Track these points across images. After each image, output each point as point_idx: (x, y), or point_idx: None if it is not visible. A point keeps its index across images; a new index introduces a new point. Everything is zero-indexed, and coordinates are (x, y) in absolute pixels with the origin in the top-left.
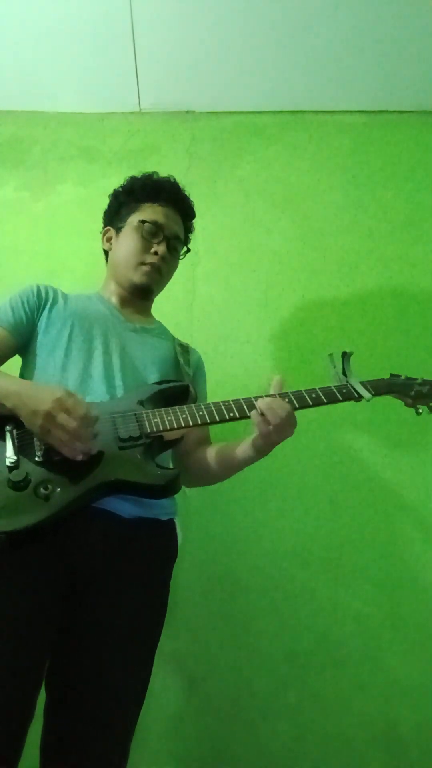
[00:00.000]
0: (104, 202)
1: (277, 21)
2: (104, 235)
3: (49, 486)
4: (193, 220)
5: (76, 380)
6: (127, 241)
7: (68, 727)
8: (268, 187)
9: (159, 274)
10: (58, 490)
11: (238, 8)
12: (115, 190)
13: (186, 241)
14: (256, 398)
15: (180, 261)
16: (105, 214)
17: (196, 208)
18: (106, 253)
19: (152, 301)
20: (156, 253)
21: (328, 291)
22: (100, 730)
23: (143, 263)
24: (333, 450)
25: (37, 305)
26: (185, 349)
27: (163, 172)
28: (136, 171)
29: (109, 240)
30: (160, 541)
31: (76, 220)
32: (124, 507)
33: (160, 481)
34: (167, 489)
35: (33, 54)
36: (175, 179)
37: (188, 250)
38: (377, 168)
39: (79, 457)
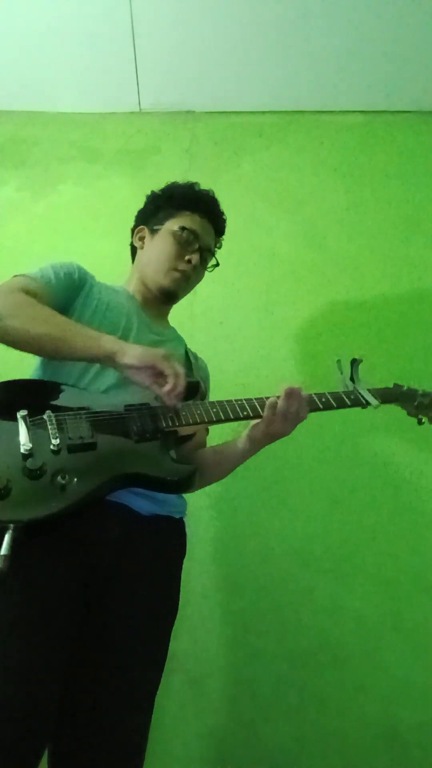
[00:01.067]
0: (104, 202)
1: (277, 21)
2: (137, 233)
3: (67, 476)
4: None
5: (97, 368)
6: (162, 245)
7: (84, 730)
8: (268, 187)
9: (186, 283)
10: (75, 480)
11: (238, 8)
12: (153, 192)
13: (214, 254)
14: (269, 398)
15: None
16: (139, 213)
17: None
18: (133, 249)
19: (171, 307)
20: (189, 261)
21: (328, 291)
22: (117, 733)
23: (176, 269)
24: (333, 450)
25: (78, 285)
26: (195, 358)
27: (163, 172)
28: (137, 171)
29: (141, 239)
30: (174, 539)
31: (76, 220)
32: (141, 504)
33: (177, 475)
34: (184, 483)
35: (33, 54)
36: (213, 194)
37: (217, 264)
38: (377, 168)
39: (175, 403)
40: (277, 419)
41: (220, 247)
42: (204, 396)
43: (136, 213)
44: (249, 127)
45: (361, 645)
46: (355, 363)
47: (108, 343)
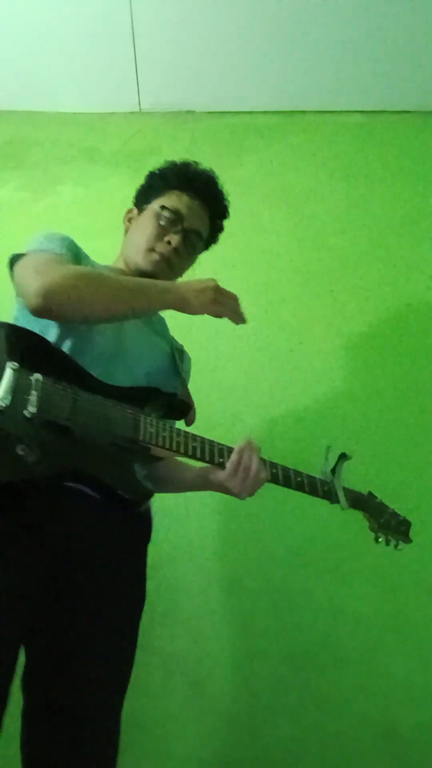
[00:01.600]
0: (104, 203)
1: (277, 21)
2: (127, 213)
3: (27, 449)
4: (225, 220)
5: (71, 349)
6: (143, 224)
7: (55, 727)
8: (268, 187)
9: (168, 266)
10: (32, 458)
11: (238, 8)
12: (151, 172)
13: (210, 241)
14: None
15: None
16: (135, 194)
17: None
18: (127, 231)
19: None
20: (169, 243)
21: (328, 291)
22: (88, 727)
23: (153, 250)
24: (333, 450)
25: (74, 257)
26: (180, 353)
27: None
28: (137, 171)
29: (130, 219)
30: (137, 525)
31: (76, 220)
32: (97, 493)
33: (134, 495)
34: (135, 505)
35: (33, 54)
36: (213, 173)
37: (215, 242)
38: (377, 168)
39: (240, 322)
40: (239, 477)
41: (221, 231)
42: (191, 421)
43: None
44: (249, 127)
45: (361, 645)
46: (342, 458)
47: (175, 292)
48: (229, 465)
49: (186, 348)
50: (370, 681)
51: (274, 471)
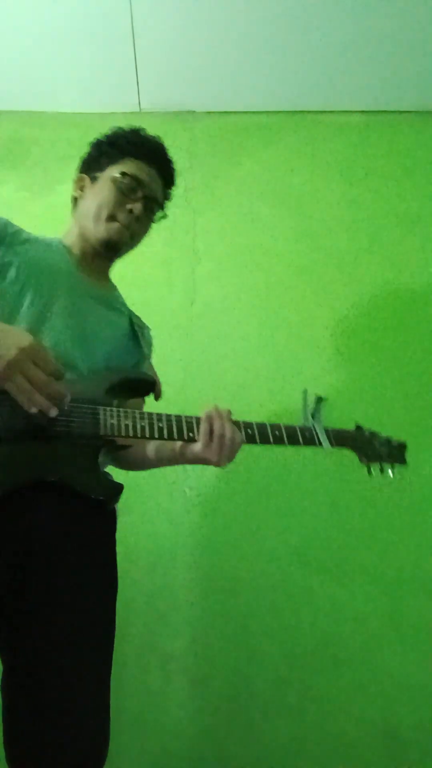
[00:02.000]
0: None
1: (277, 21)
2: (77, 182)
3: None
4: (172, 189)
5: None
6: (102, 192)
7: (30, 698)
8: (268, 187)
9: (130, 234)
10: None
11: (238, 8)
12: (97, 139)
13: (162, 207)
14: (210, 414)
15: (179, 260)
16: (82, 162)
17: (196, 208)
18: (75, 201)
19: (113, 262)
20: (131, 211)
21: (328, 291)
22: (71, 699)
23: (114, 218)
24: (333, 450)
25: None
26: (141, 328)
27: None
28: None
29: (81, 188)
30: (102, 521)
31: None
32: (68, 497)
33: (102, 494)
34: (109, 503)
35: (33, 54)
36: (161, 141)
37: (165, 216)
38: (377, 168)
39: (33, 410)
40: (214, 446)
41: (169, 200)
42: (159, 394)
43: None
44: (249, 127)
45: (361, 645)
46: (319, 401)
47: None
48: (201, 436)
49: (186, 348)
50: (370, 680)
51: (249, 431)
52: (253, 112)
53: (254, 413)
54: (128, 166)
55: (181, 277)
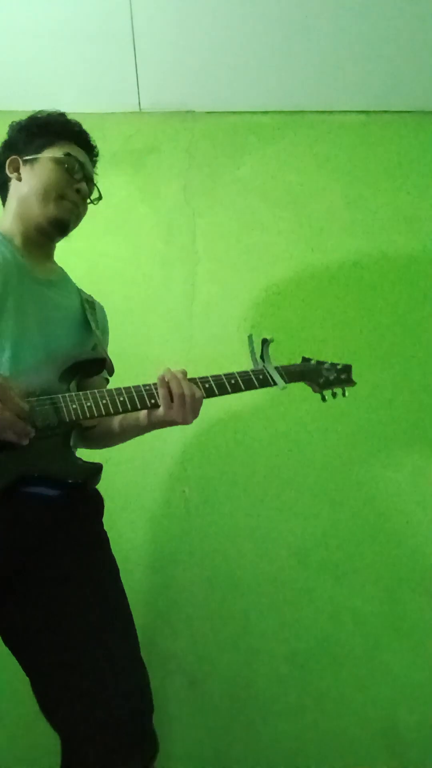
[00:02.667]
0: (104, 202)
1: (277, 21)
2: (9, 164)
3: None
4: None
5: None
6: (46, 173)
7: (61, 682)
8: (268, 187)
9: (76, 213)
10: None
11: (238, 8)
12: (17, 123)
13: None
14: (166, 375)
15: (179, 261)
16: (6, 145)
17: (196, 208)
18: (3, 185)
19: (56, 242)
20: (78, 191)
21: (328, 291)
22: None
23: (64, 197)
24: (332, 450)
25: None
26: (92, 305)
27: (163, 172)
28: (137, 171)
29: (16, 170)
30: (91, 512)
31: None
32: (51, 489)
33: (81, 476)
34: (90, 483)
35: (33, 54)
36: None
37: (100, 197)
38: (377, 168)
39: (10, 440)
40: (176, 407)
41: (96, 183)
42: (111, 369)
43: (137, 216)
44: (248, 126)
45: (361, 645)
46: (265, 342)
47: None
48: (161, 400)
49: (185, 349)
50: (370, 680)
51: (206, 385)
52: (253, 112)
53: (254, 413)
54: (67, 147)
55: (181, 276)
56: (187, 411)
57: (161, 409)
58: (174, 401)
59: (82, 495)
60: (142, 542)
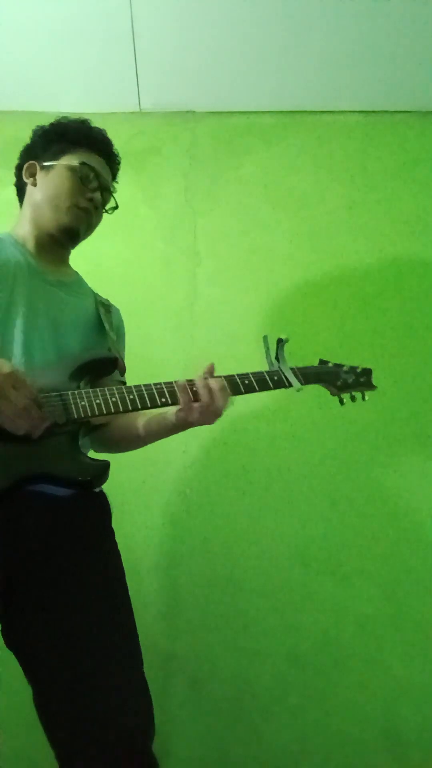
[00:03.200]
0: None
1: (277, 21)
2: (26, 169)
3: None
4: (115, 183)
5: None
6: (60, 181)
7: (63, 686)
8: (269, 187)
9: (88, 222)
10: None
11: (239, 8)
12: (40, 127)
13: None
14: (189, 381)
15: (179, 261)
16: (27, 150)
17: (197, 208)
18: (20, 189)
19: (69, 251)
20: (91, 199)
21: (329, 291)
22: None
23: (76, 206)
24: (333, 450)
25: None
26: (107, 308)
27: (164, 173)
28: (137, 172)
29: (32, 175)
30: (97, 512)
31: None
32: (57, 489)
33: (89, 474)
34: (96, 482)
35: (33, 54)
36: (106, 134)
37: (116, 206)
38: (377, 168)
39: (21, 433)
40: (195, 409)
41: (114, 192)
42: (123, 369)
43: (138, 217)
44: (249, 127)
45: (362, 645)
46: (280, 342)
47: None
48: (181, 405)
49: (186, 349)
50: (371, 681)
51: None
52: (254, 112)
53: (255, 413)
54: (84, 156)
55: (182, 277)
56: (209, 415)
57: (181, 413)
58: (197, 406)
59: (89, 495)
60: (142, 543)
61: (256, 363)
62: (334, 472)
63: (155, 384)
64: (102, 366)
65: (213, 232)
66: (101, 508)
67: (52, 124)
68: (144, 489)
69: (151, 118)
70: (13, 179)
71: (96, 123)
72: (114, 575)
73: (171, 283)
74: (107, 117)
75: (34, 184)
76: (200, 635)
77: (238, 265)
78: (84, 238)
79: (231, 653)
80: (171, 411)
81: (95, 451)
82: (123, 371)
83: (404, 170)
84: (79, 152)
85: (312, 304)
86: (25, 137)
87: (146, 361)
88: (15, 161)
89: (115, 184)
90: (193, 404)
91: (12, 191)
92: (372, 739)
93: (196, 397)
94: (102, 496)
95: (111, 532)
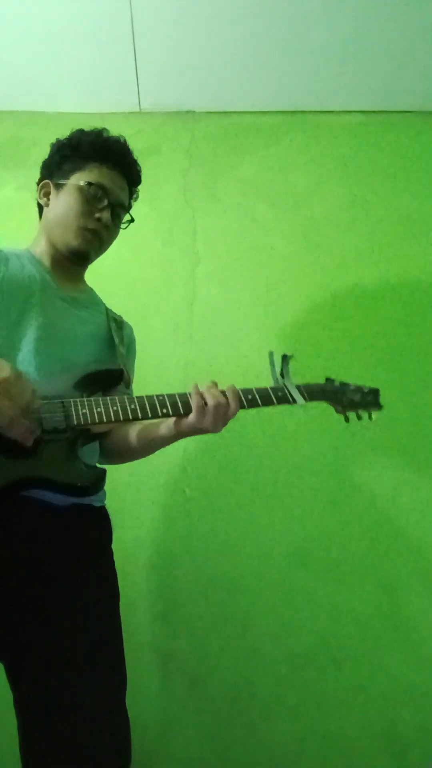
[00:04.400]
0: None
1: (277, 21)
2: (41, 188)
3: None
4: (138, 187)
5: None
6: (68, 202)
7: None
8: (268, 187)
9: (99, 242)
10: None
11: (239, 8)
12: (58, 141)
13: (129, 209)
14: (191, 393)
15: (179, 261)
16: (44, 165)
17: (196, 208)
18: (40, 207)
19: (86, 267)
20: (99, 219)
21: (329, 291)
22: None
23: (85, 228)
24: (333, 450)
25: None
26: (119, 324)
27: (163, 173)
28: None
29: (46, 195)
30: (97, 526)
31: None
32: (56, 496)
33: (85, 481)
34: (91, 489)
35: (33, 54)
36: (125, 140)
37: (132, 220)
38: (377, 168)
39: (13, 437)
40: (209, 412)
41: (136, 199)
42: (129, 381)
43: (137, 216)
44: (249, 127)
45: (361, 645)
46: (285, 359)
47: None
48: (194, 408)
49: (186, 348)
50: (370, 681)
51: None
52: (253, 112)
53: (255, 413)
54: (93, 173)
55: (181, 277)
56: (219, 419)
57: (192, 417)
58: (208, 410)
59: (88, 509)
60: (142, 542)
61: (256, 363)
62: (334, 472)
63: (157, 395)
64: (107, 378)
65: (212, 231)
66: (100, 524)
67: (66, 138)
68: (144, 489)
69: (150, 118)
70: (14, 179)
71: (95, 123)
72: (105, 593)
73: (170, 282)
74: (107, 117)
75: (47, 205)
76: (199, 635)
77: (238, 265)
78: (98, 257)
79: (230, 653)
80: (170, 420)
81: (100, 464)
82: (128, 384)
83: (404, 170)
84: (90, 168)
85: (311, 303)
86: (25, 137)
87: (145, 360)
88: (15, 161)
89: (136, 191)
90: (207, 407)
91: (11, 191)
92: (371, 739)
93: (207, 402)
94: (103, 511)
95: (109, 550)
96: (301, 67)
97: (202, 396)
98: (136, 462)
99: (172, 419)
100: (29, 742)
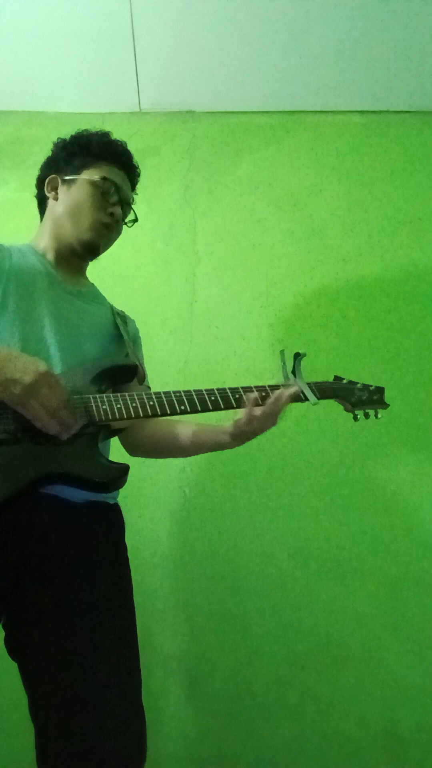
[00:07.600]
0: None
1: (277, 21)
2: (49, 182)
3: None
4: (135, 191)
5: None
6: (81, 196)
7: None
8: (268, 187)
9: (109, 236)
10: (2, 477)
11: (239, 8)
12: (62, 139)
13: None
14: (208, 391)
15: (179, 260)
16: (48, 162)
17: (196, 208)
18: (41, 201)
19: (88, 263)
20: (112, 214)
21: (328, 291)
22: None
23: (99, 222)
24: (333, 449)
25: None
26: (124, 318)
27: (163, 173)
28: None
29: (54, 189)
30: (111, 523)
31: None
32: (71, 491)
33: (107, 476)
34: (113, 484)
35: (33, 54)
36: (126, 145)
37: (136, 219)
38: (377, 168)
39: (52, 433)
40: (260, 417)
41: (134, 203)
42: (142, 377)
43: (139, 221)
44: (249, 127)
45: (361, 645)
46: (297, 357)
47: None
48: (247, 410)
49: (186, 348)
50: (370, 681)
51: (236, 396)
52: (253, 112)
53: None
54: (105, 170)
55: (181, 277)
56: (270, 420)
57: (243, 422)
58: (261, 414)
59: (102, 506)
60: (142, 542)
61: (255, 363)
62: (334, 471)
63: (174, 392)
64: (122, 373)
65: (212, 231)
66: (114, 520)
67: (73, 137)
68: (144, 488)
69: (150, 118)
70: (14, 179)
71: (95, 123)
72: (119, 595)
73: (170, 282)
74: (106, 117)
75: (56, 198)
76: (199, 634)
77: (238, 265)
78: (103, 252)
79: (230, 653)
80: (225, 426)
81: (130, 455)
82: (142, 379)
83: (404, 170)
84: (100, 166)
85: (311, 303)
86: (26, 137)
87: (145, 360)
88: (15, 161)
89: (135, 196)
90: (256, 410)
91: (11, 191)
92: (371, 739)
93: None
94: (116, 508)
95: (123, 546)
96: (301, 67)
97: (257, 399)
98: (136, 461)
99: (225, 429)
100: (48, 742)
